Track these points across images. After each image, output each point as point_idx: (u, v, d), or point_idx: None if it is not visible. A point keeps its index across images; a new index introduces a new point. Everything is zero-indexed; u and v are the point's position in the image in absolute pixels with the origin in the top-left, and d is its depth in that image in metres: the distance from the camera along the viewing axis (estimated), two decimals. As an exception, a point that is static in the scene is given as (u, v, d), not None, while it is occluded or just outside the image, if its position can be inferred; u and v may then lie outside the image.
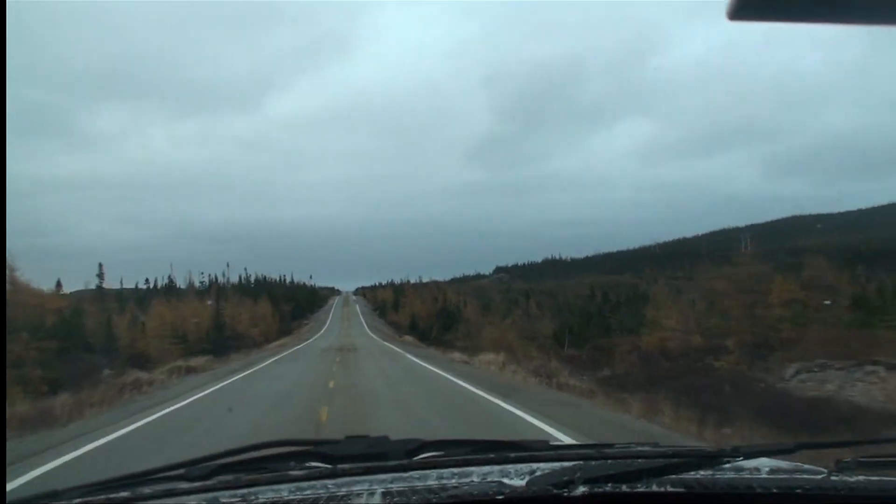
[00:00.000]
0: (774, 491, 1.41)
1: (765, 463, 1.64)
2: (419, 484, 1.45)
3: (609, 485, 1.38)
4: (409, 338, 69.97)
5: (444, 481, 1.46)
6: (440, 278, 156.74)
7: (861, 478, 1.46)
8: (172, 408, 13.80)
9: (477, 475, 1.51)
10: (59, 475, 7.17)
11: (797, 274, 27.93)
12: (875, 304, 27.29)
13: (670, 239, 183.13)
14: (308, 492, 1.42)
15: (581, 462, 1.55)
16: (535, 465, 1.56)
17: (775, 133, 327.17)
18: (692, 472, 1.48)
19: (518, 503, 1.34)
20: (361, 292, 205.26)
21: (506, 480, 1.41)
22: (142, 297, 75.90)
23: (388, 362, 27.90)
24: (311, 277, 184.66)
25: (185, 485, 1.58)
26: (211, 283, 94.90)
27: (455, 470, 1.56)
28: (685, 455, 1.66)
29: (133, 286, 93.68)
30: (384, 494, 1.36)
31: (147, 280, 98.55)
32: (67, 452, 8.63)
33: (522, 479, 1.40)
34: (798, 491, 1.41)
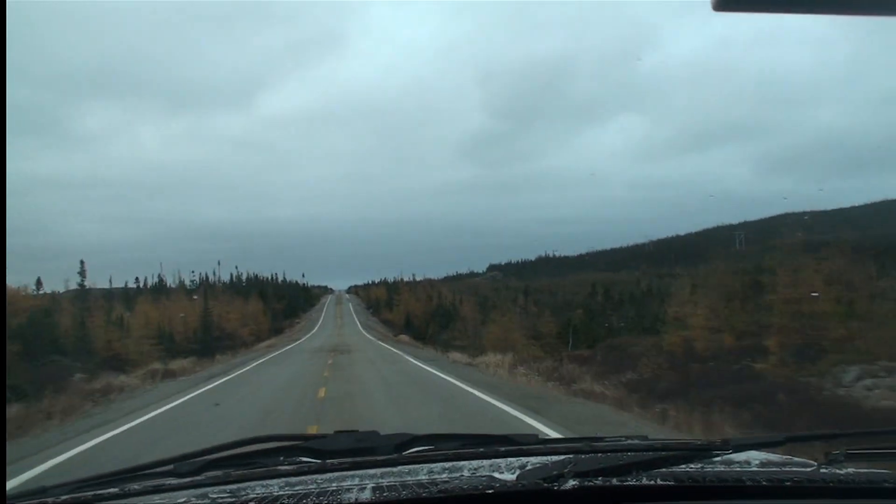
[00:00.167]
0: (764, 483, 1.43)
1: (755, 456, 1.66)
2: (409, 478, 1.45)
3: (599, 478, 1.39)
4: (404, 337, 67.72)
5: (435, 476, 1.47)
6: (433, 277, 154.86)
7: (850, 470, 1.48)
8: (127, 426, 11.39)
9: (467, 469, 1.52)
10: None
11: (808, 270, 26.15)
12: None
13: (664, 236, 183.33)
14: (298, 487, 1.42)
15: (571, 456, 1.55)
16: (525, 460, 1.57)
17: (766, 130, 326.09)
18: (682, 465, 1.50)
19: (508, 497, 1.35)
20: (354, 291, 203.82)
21: (496, 475, 1.43)
22: (130, 297, 73.52)
23: (386, 366, 25.41)
24: (303, 276, 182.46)
25: (174, 480, 1.57)
26: (201, 281, 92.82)
27: (445, 464, 1.57)
28: (675, 448, 1.68)
29: (122, 285, 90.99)
30: (374, 489, 1.37)
31: (137, 279, 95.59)
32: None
33: (513, 474, 1.42)
34: (788, 483, 1.43)
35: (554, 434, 9.24)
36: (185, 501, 1.38)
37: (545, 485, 1.34)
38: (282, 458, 1.75)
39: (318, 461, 1.68)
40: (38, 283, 54.00)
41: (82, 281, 52.22)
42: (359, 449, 1.79)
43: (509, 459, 1.58)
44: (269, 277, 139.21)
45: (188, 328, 58.97)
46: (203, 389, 17.82)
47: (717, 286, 25.11)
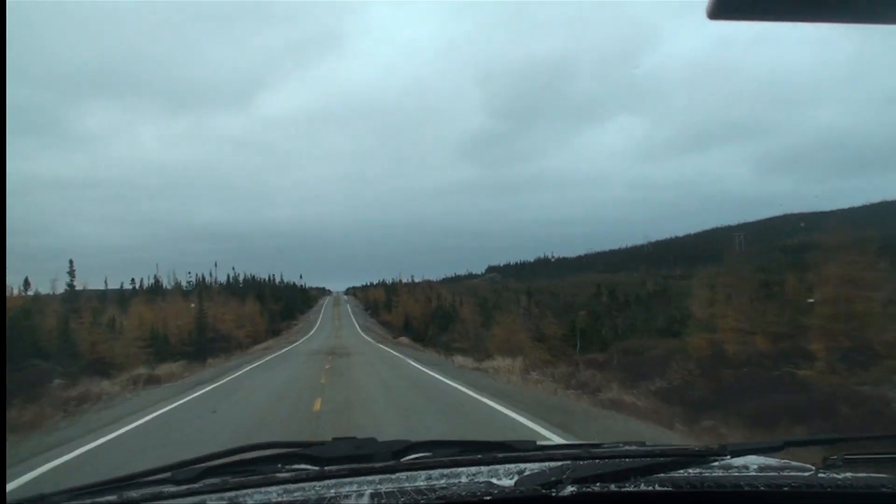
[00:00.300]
0: (762, 488, 1.44)
1: (753, 460, 1.67)
2: (408, 485, 1.46)
3: (597, 484, 1.40)
4: (404, 339, 66.00)
5: (433, 482, 1.48)
6: (431, 278, 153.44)
7: (848, 475, 1.49)
8: (89, 446, 9.65)
9: (465, 476, 1.53)
10: None
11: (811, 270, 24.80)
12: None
13: (662, 238, 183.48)
14: (296, 494, 1.44)
15: (569, 462, 1.58)
16: (523, 466, 1.59)
17: (765, 131, 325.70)
18: (681, 471, 1.50)
19: (507, 503, 1.36)
20: (352, 292, 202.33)
21: (494, 481, 1.44)
22: (126, 298, 71.79)
23: (388, 371, 23.58)
24: (301, 277, 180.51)
25: (172, 488, 1.57)
26: (197, 282, 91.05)
27: (443, 471, 1.58)
28: (673, 454, 1.69)
29: (118, 286, 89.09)
30: (373, 496, 1.38)
31: (133, 280, 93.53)
32: None
33: (511, 480, 1.43)
34: (786, 488, 1.44)
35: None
36: None
37: (543, 491, 1.36)
38: (280, 466, 1.76)
39: (317, 468, 1.69)
40: (26, 283, 52.12)
41: (71, 281, 50.34)
42: (357, 456, 1.78)
43: (507, 466, 1.60)
44: (267, 279, 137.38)
45: (182, 330, 57.33)
46: (186, 399, 16.03)
47: (743, 285, 23.39)
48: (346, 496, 1.39)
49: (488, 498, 1.34)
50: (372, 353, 37.98)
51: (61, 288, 50.21)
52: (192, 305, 63.04)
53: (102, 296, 69.10)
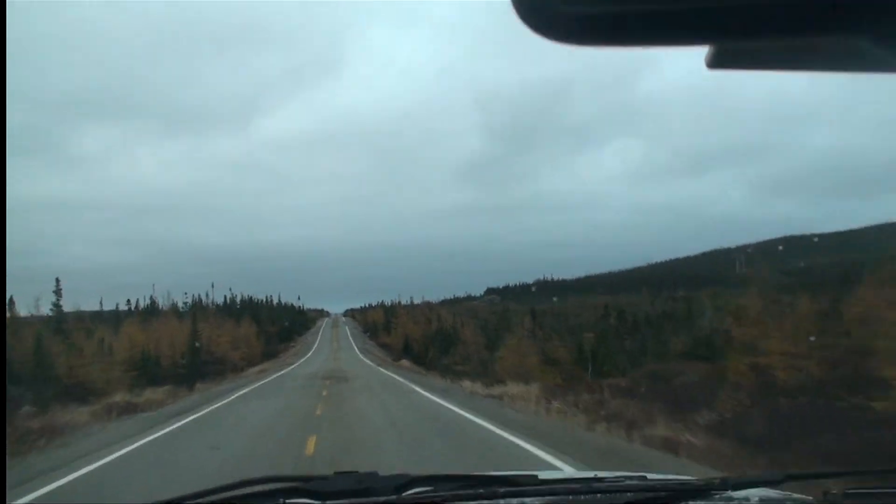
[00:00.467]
0: None
1: (754, 494, 1.70)
2: None
3: None
4: (405, 362, 63.68)
5: None
6: (430, 300, 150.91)
7: None
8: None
9: None
10: None
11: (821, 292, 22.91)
12: None
13: (662, 260, 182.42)
14: None
15: (570, 497, 1.61)
16: (525, 500, 1.64)
17: (764, 153, 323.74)
18: None
19: None
20: (351, 314, 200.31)
21: None
22: (121, 320, 69.55)
23: (393, 399, 21.14)
24: (299, 299, 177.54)
25: None
26: (194, 303, 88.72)
27: None
28: (674, 489, 1.71)
29: (113, 308, 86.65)
30: None
31: (129, 301, 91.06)
32: None
33: None
34: None
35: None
36: None
37: None
38: (281, 500, 1.77)
39: (318, 503, 1.72)
40: (10, 302, 49.64)
41: (57, 301, 47.79)
42: (358, 490, 1.79)
43: (509, 500, 1.64)
44: (265, 300, 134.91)
45: (175, 352, 55.20)
46: (155, 435, 13.62)
47: (786, 303, 21.25)
48: None
49: None
50: (372, 378, 35.60)
51: (46, 308, 47.66)
52: (185, 322, 60.96)
53: (97, 317, 66.92)
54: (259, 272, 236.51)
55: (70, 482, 8.98)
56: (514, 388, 24.10)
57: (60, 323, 43.62)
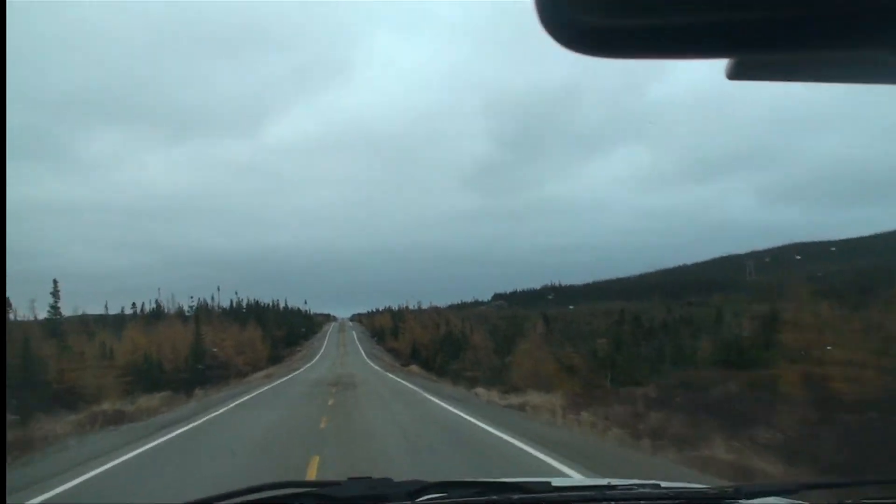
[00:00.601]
0: None
1: (767, 503, 1.70)
2: None
3: None
4: (415, 367, 61.96)
5: None
6: (438, 305, 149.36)
7: None
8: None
9: None
10: None
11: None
12: None
13: (671, 266, 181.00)
14: None
15: None
16: None
17: (772, 159, 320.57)
18: None
19: None
20: (358, 318, 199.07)
21: None
22: (124, 323, 68.20)
23: (404, 409, 19.30)
24: (305, 303, 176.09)
25: None
26: (199, 307, 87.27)
27: None
28: (687, 497, 1.71)
29: (118, 311, 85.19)
30: None
31: (133, 304, 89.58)
32: None
33: None
34: None
35: None
36: None
37: None
38: None
39: None
40: (8, 304, 48.08)
41: (55, 303, 46.05)
42: (372, 496, 1.77)
43: None
44: (271, 304, 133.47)
45: (178, 356, 53.73)
46: (135, 452, 11.85)
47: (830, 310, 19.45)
48: None
49: None
50: (381, 385, 33.85)
51: (43, 311, 46.00)
52: (189, 326, 59.48)
53: (101, 320, 65.61)
54: (265, 276, 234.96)
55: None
56: (534, 397, 22.35)
57: (57, 326, 42.07)
